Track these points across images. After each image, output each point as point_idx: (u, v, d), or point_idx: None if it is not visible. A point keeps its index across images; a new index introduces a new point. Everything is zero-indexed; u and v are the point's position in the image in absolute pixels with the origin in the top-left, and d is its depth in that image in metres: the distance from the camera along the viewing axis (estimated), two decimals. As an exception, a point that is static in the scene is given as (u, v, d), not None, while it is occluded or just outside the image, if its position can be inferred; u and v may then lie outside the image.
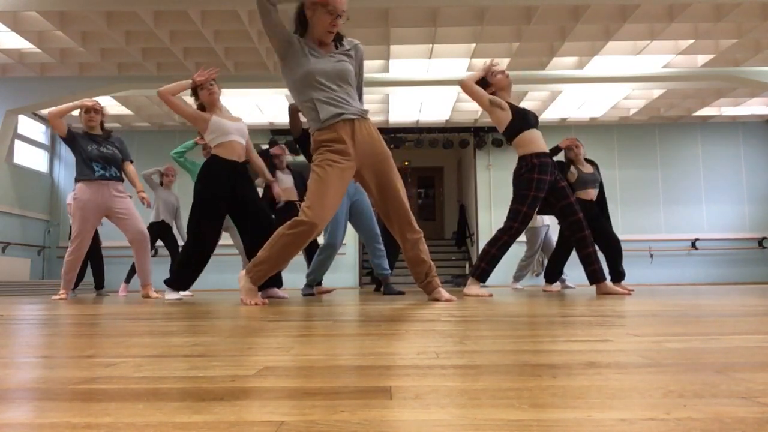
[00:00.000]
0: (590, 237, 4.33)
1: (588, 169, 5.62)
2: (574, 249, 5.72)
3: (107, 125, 5.29)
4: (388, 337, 1.36)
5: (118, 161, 5.08)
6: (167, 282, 4.18)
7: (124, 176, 5.19)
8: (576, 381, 0.78)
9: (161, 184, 7.24)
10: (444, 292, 3.35)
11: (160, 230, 7.10)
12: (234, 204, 4.16)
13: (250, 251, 4.12)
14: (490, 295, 4.15)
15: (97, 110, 5.06)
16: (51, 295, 6.90)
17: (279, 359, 1.02)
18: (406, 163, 13.21)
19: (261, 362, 0.98)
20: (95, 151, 4.92)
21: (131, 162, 5.25)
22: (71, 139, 4.94)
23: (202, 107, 4.24)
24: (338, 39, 3.20)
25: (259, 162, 4.57)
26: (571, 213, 4.29)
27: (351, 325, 1.75)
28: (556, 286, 6.26)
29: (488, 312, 2.31)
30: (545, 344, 1.19)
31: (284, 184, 5.93)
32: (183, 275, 4.08)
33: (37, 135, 11.28)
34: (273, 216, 4.54)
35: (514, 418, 0.59)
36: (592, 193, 5.52)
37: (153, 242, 7.09)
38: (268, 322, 1.91)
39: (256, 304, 3.01)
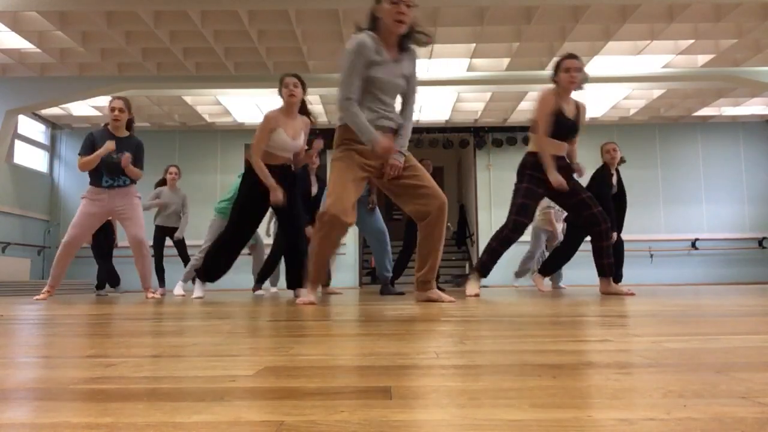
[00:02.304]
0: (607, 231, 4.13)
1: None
2: (574, 250, 5.67)
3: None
4: (388, 337, 1.36)
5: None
6: (197, 273, 4.39)
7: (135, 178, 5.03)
8: (576, 381, 0.78)
9: (164, 182, 7.07)
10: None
11: (165, 233, 7.04)
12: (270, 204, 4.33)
13: (286, 251, 4.56)
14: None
15: (122, 110, 4.92)
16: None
17: (279, 359, 1.02)
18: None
19: (261, 362, 0.98)
20: (103, 162, 4.81)
21: (140, 169, 5.03)
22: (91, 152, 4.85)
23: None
24: (405, 42, 3.17)
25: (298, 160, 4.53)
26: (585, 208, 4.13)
27: (351, 325, 1.75)
28: (547, 284, 6.10)
29: (488, 312, 2.31)
30: (545, 344, 1.19)
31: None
32: (213, 267, 4.31)
33: (37, 135, 11.28)
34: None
35: (514, 418, 0.59)
36: None
37: (161, 246, 7.01)
38: (268, 322, 1.91)
39: (311, 303, 3.13)
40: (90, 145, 4.86)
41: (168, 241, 7.03)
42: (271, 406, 0.65)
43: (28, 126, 10.90)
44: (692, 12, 7.26)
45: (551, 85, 4.21)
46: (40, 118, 11.13)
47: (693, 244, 11.46)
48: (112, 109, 4.91)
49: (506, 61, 8.72)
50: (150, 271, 5.19)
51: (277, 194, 4.21)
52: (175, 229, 7.01)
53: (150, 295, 5.10)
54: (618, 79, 9.16)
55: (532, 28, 7.67)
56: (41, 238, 11.07)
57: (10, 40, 7.89)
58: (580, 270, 8.95)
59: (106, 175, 4.87)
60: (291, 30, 7.66)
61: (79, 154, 4.88)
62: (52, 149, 11.67)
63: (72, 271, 11.02)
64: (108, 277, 7.26)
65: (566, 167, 4.14)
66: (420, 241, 3.29)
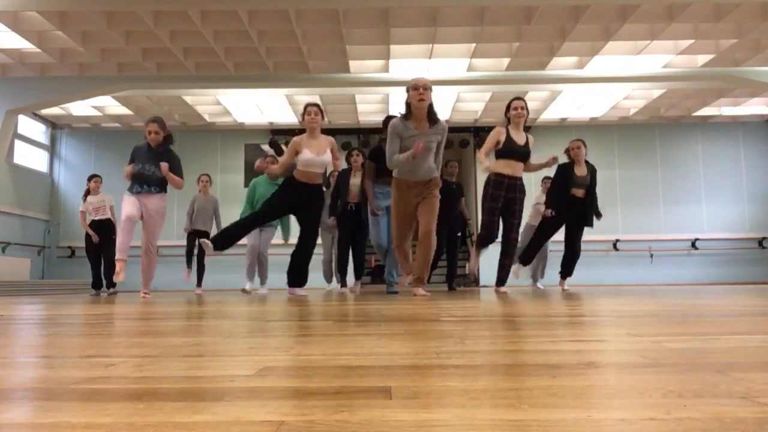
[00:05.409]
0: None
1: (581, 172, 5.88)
2: (567, 251, 6.11)
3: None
4: (388, 337, 1.36)
5: (156, 180, 5.26)
6: (212, 241, 4.85)
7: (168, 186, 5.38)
8: (576, 381, 0.78)
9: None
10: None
11: (197, 236, 7.15)
12: (295, 212, 5.15)
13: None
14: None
15: (158, 132, 5.30)
16: (51, 295, 6.90)
17: (279, 359, 1.02)
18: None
19: (261, 362, 0.98)
20: (137, 172, 5.21)
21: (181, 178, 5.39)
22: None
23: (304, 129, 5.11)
24: (432, 119, 4.33)
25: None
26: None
27: (351, 325, 1.75)
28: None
29: (488, 312, 2.32)
30: (545, 344, 1.19)
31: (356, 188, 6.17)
32: (227, 236, 4.94)
33: (37, 135, 11.28)
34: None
35: (514, 418, 0.59)
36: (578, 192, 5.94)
37: (191, 250, 7.33)
38: (268, 322, 1.91)
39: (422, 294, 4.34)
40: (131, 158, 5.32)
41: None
42: (271, 406, 0.65)
43: (28, 126, 10.90)
44: (692, 12, 7.26)
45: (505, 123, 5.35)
46: (40, 118, 11.12)
47: (693, 244, 11.45)
48: (149, 132, 5.29)
49: (506, 61, 8.72)
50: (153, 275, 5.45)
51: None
52: (204, 233, 7.21)
53: (146, 296, 5.31)
54: (618, 79, 9.16)
55: (532, 28, 7.66)
56: (41, 238, 11.07)
57: (10, 40, 7.88)
58: (579, 270, 8.93)
59: (137, 183, 5.24)
60: (291, 30, 7.66)
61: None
62: (52, 149, 11.67)
63: (72, 271, 11.03)
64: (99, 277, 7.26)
65: (521, 187, 5.30)
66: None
